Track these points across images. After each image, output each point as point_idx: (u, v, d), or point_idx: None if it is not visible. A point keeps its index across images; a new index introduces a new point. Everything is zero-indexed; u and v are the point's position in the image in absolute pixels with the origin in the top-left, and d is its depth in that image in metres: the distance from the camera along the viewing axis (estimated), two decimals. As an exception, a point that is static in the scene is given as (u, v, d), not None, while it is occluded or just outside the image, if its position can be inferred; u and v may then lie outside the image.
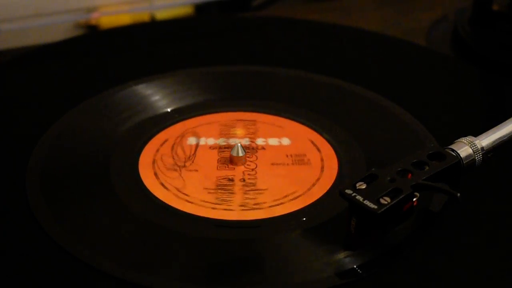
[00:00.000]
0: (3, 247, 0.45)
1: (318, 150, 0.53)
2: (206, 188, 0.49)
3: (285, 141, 0.54)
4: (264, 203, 0.48)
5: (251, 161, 0.52)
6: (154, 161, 0.52)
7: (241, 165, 0.51)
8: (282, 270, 0.44)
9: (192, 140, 0.54)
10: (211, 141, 0.54)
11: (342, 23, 0.73)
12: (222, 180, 0.50)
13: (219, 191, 0.49)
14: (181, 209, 0.47)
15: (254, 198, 0.49)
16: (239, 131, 0.55)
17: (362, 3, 0.79)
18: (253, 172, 0.51)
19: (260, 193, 0.49)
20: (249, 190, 0.49)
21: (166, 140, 0.54)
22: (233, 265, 0.44)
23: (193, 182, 0.50)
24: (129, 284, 0.42)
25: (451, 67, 0.64)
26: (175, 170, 0.51)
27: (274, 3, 0.80)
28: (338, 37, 0.68)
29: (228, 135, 0.54)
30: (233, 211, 0.48)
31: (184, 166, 0.51)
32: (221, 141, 0.54)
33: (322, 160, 0.52)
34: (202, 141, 0.54)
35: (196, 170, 0.51)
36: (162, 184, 0.50)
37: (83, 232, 0.45)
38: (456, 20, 0.72)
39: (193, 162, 0.52)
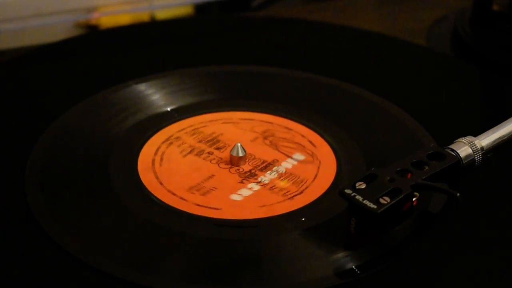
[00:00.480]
0: (3, 247, 0.45)
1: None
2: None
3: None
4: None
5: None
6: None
7: (240, 165, 0.51)
8: (281, 270, 0.44)
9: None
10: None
11: (342, 23, 0.73)
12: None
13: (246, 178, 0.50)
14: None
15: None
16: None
17: (362, 3, 0.79)
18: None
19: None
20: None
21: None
22: (232, 265, 0.44)
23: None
24: (129, 284, 0.42)
25: (451, 67, 0.64)
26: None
27: (274, 3, 0.80)
28: (338, 37, 0.68)
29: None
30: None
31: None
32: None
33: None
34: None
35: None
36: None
37: (83, 232, 0.45)
38: (456, 20, 0.72)
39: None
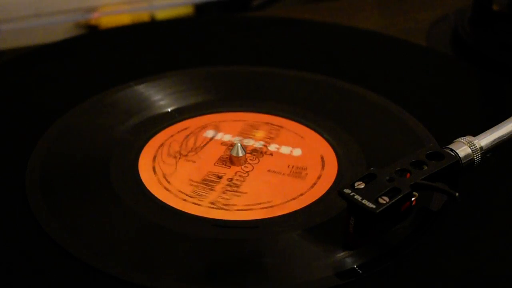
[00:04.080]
0: (3, 247, 0.45)
1: (323, 166, 0.52)
2: (190, 180, 0.50)
3: (297, 152, 0.54)
4: (234, 205, 0.48)
5: (250, 164, 0.52)
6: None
7: (239, 165, 0.51)
8: (281, 270, 0.44)
9: (209, 133, 0.54)
10: (227, 137, 0.54)
11: (342, 23, 0.73)
12: (211, 176, 0.50)
13: (201, 185, 0.49)
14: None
15: (228, 199, 0.49)
16: (260, 133, 0.54)
17: (362, 3, 0.79)
18: (245, 175, 0.51)
19: (237, 196, 0.49)
20: (229, 191, 0.49)
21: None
22: (232, 265, 0.44)
23: (183, 172, 0.51)
24: (129, 284, 0.42)
25: (451, 67, 0.64)
26: (175, 157, 0.51)
27: (274, 3, 0.80)
28: (338, 37, 0.68)
29: (247, 135, 0.54)
30: (200, 207, 0.48)
31: (186, 155, 0.52)
32: (237, 139, 0.54)
33: (319, 177, 0.51)
34: (218, 136, 0.54)
35: (194, 162, 0.51)
36: (153, 169, 0.50)
37: (83, 232, 0.45)
38: (456, 20, 0.72)
39: (196, 153, 0.52)
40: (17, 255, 0.44)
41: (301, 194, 0.49)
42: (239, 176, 0.51)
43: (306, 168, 0.52)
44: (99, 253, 0.44)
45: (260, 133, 0.54)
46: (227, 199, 0.48)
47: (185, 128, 0.55)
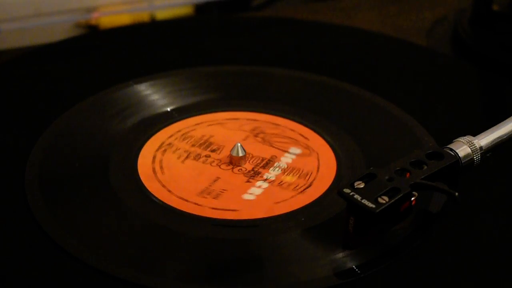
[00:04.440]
0: (3, 247, 0.45)
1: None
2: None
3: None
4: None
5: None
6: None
7: (240, 165, 0.51)
8: (281, 270, 0.44)
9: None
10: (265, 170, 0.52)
11: (342, 23, 0.73)
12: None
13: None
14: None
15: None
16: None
17: (362, 3, 0.79)
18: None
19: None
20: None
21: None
22: (232, 265, 0.44)
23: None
24: (129, 284, 0.42)
25: (451, 67, 0.64)
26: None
27: (274, 3, 0.80)
28: (338, 37, 0.68)
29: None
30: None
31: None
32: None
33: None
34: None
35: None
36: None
37: (83, 232, 0.45)
38: (456, 20, 0.72)
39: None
40: (16, 255, 0.44)
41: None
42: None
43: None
44: (98, 253, 0.44)
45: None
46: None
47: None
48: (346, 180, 0.48)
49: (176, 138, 0.54)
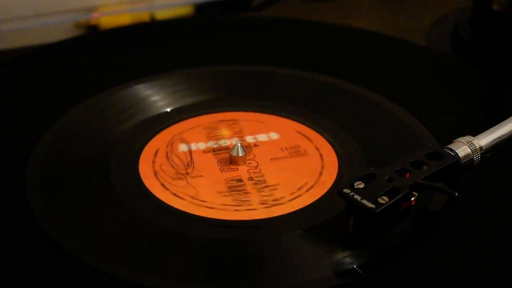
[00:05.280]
0: (3, 247, 0.45)
1: (309, 140, 0.53)
2: (219, 192, 0.49)
3: (274, 136, 0.54)
4: (282, 197, 0.49)
5: (250, 159, 0.52)
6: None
7: (242, 164, 0.51)
8: (281, 270, 0.44)
9: (183, 147, 0.53)
10: (202, 145, 0.54)
11: (342, 23, 0.73)
12: (231, 182, 0.50)
13: (233, 192, 0.49)
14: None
15: (270, 195, 0.49)
16: (225, 132, 0.55)
17: (362, 3, 0.79)
18: (257, 170, 0.51)
19: (274, 189, 0.49)
20: (262, 188, 0.49)
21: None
22: (233, 265, 0.44)
23: (204, 187, 0.50)
24: (129, 284, 0.42)
25: (451, 67, 0.64)
26: (181, 178, 0.50)
27: (274, 3, 0.80)
28: (338, 37, 0.68)
29: (215, 138, 0.54)
30: (256, 210, 0.48)
31: (187, 173, 0.51)
32: (213, 144, 0.53)
33: (317, 148, 0.52)
34: (193, 147, 0.53)
35: (201, 176, 0.51)
36: (163, 185, 0.50)
37: (83, 232, 0.45)
38: (456, 20, 0.72)
39: (194, 168, 0.52)
40: (17, 255, 0.44)
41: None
42: (254, 173, 0.51)
43: (299, 146, 0.53)
44: (99, 253, 0.44)
45: (224, 132, 0.54)
46: (271, 195, 0.49)
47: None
48: (346, 180, 0.48)
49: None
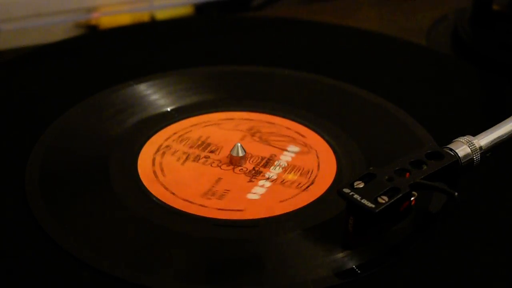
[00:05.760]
0: (3, 247, 0.45)
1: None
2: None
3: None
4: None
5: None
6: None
7: (240, 165, 0.51)
8: (281, 270, 0.44)
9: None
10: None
11: (342, 23, 0.73)
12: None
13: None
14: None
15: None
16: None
17: (362, 3, 0.79)
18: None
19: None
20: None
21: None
22: (233, 265, 0.44)
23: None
24: (129, 284, 0.42)
25: (451, 67, 0.64)
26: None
27: (274, 3, 0.80)
28: (338, 37, 0.68)
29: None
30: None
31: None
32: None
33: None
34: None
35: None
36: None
37: (83, 232, 0.45)
38: (456, 20, 0.73)
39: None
40: (17, 255, 0.44)
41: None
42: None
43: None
44: (98, 253, 0.44)
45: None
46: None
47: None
48: (345, 180, 0.48)
49: (173, 140, 0.54)
